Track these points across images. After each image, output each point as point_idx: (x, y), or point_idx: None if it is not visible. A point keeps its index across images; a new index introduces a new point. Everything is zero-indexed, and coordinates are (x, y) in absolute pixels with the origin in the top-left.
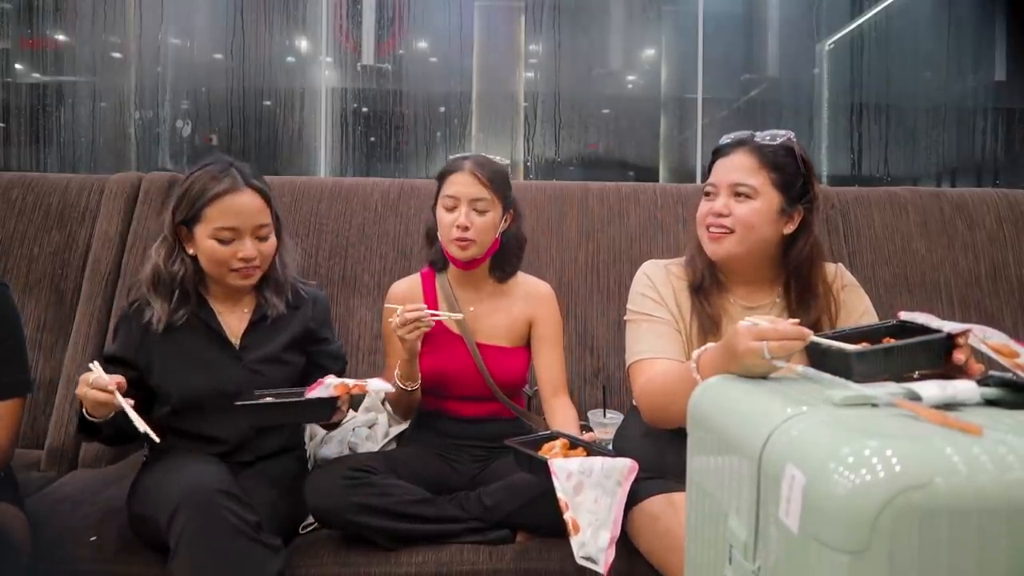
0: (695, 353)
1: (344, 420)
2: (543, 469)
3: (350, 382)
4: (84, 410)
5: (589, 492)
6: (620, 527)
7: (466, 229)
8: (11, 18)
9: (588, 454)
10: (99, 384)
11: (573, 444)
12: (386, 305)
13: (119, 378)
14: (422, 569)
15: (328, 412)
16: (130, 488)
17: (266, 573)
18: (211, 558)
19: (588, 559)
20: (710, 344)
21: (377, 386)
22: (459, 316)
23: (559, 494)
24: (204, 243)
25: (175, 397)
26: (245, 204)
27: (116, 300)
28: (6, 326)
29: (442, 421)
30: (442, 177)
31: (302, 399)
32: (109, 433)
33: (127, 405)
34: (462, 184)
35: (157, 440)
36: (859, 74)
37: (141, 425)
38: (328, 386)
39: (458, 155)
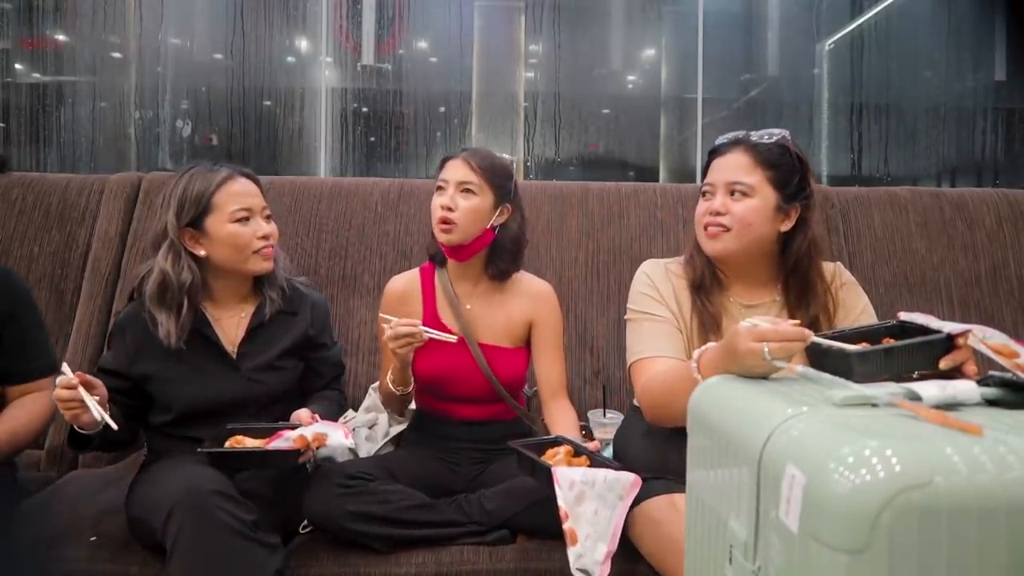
0: (696, 353)
1: (344, 420)
2: (546, 475)
3: (309, 435)
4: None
5: (590, 503)
6: (618, 541)
7: (449, 210)
8: (11, 18)
9: (591, 463)
10: (63, 382)
11: (577, 452)
12: (380, 315)
13: (82, 376)
14: (422, 570)
15: (291, 460)
16: (127, 491)
17: (265, 571)
18: (207, 559)
19: (583, 571)
20: (711, 344)
21: (337, 441)
22: (452, 339)
23: (560, 503)
24: (224, 231)
25: (174, 407)
26: (248, 187)
27: (116, 300)
28: (28, 310)
29: (441, 423)
30: (440, 167)
31: (262, 450)
32: (98, 444)
33: (86, 395)
34: (452, 169)
35: (115, 427)
36: (859, 74)
37: (99, 414)
38: (288, 439)
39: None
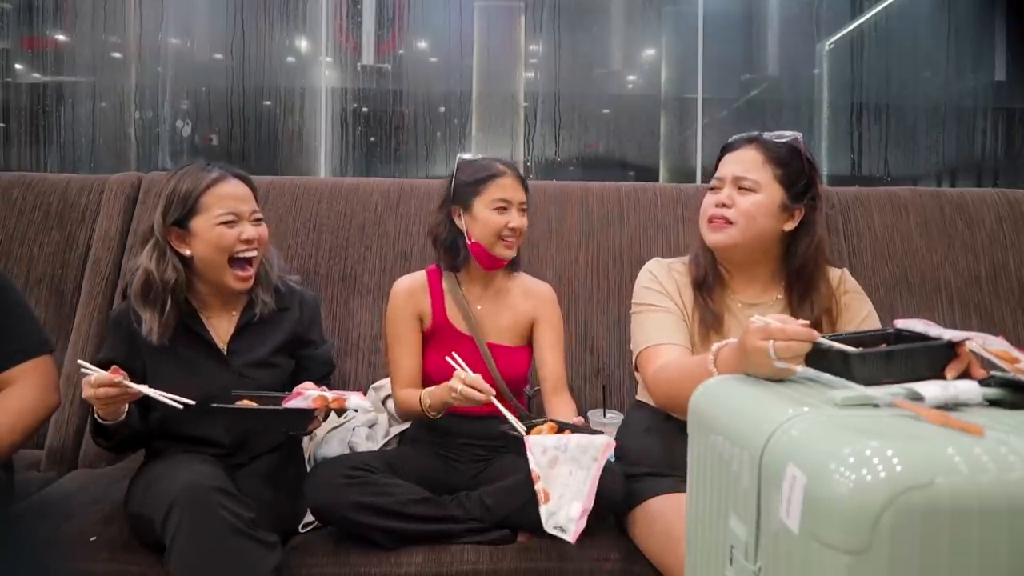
0: (714, 347)
1: (344, 420)
2: (521, 444)
3: (329, 395)
4: (96, 415)
5: (563, 467)
6: (594, 499)
7: (517, 232)
8: (11, 18)
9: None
10: (104, 380)
11: (561, 428)
12: (451, 358)
13: (117, 370)
14: (422, 569)
15: (304, 423)
16: (127, 488)
17: (263, 569)
18: (206, 555)
19: (558, 528)
20: (731, 340)
21: (356, 403)
22: (522, 430)
23: (532, 466)
24: (210, 233)
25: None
26: (238, 190)
27: (116, 300)
28: (9, 295)
29: (443, 419)
30: (485, 180)
31: (279, 408)
32: (123, 436)
33: (145, 388)
34: (512, 189)
35: (192, 403)
36: (859, 74)
37: (168, 399)
38: (307, 397)
39: (488, 157)
